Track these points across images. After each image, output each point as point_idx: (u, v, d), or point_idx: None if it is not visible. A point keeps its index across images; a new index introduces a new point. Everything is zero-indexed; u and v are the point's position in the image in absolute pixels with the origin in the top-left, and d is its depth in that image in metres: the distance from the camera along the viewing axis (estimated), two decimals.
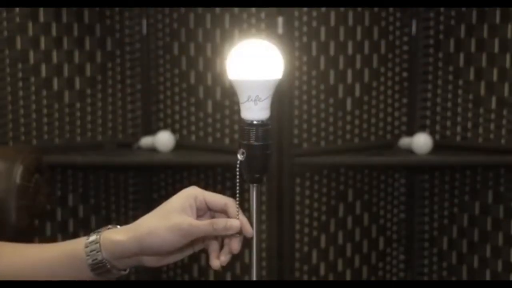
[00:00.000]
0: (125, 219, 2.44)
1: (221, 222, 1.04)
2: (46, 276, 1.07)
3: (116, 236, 1.05)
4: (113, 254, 1.05)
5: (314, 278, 2.31)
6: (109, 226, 1.08)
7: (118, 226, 1.08)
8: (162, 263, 1.09)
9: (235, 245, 1.06)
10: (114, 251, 1.05)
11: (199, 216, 1.08)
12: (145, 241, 1.03)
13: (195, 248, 1.10)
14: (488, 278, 2.32)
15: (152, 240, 1.03)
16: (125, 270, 1.08)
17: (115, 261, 1.06)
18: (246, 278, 2.27)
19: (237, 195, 1.06)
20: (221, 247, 1.08)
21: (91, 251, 1.05)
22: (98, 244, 1.05)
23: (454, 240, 2.41)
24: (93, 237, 1.06)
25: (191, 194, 1.07)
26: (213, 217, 1.09)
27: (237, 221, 1.05)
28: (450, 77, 2.32)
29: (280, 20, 2.16)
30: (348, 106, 2.29)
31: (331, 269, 2.35)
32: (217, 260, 1.07)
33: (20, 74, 2.17)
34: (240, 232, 1.05)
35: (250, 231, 1.05)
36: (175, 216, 1.04)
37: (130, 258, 1.06)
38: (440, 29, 2.33)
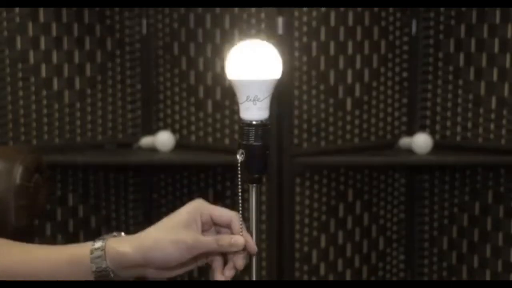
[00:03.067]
0: (125, 219, 2.44)
1: (225, 239, 1.05)
2: (52, 277, 1.07)
3: (121, 246, 1.05)
4: (117, 264, 1.05)
5: (314, 278, 2.31)
6: (115, 234, 1.08)
7: (123, 234, 1.08)
8: (165, 276, 1.09)
9: (239, 261, 1.07)
10: (118, 261, 1.05)
11: (204, 230, 1.08)
12: (150, 254, 1.04)
13: (199, 263, 1.10)
14: (488, 278, 2.32)
15: (157, 253, 1.03)
16: (127, 279, 1.08)
17: (119, 270, 1.06)
18: (246, 278, 2.27)
19: (240, 211, 1.06)
20: (225, 261, 1.08)
21: (95, 258, 1.05)
22: (103, 252, 1.05)
23: (454, 240, 2.41)
24: (98, 244, 1.06)
25: (197, 209, 1.07)
26: (218, 231, 1.09)
27: (241, 238, 1.05)
28: (450, 77, 2.32)
29: (280, 20, 2.16)
30: (348, 106, 2.29)
31: (331, 269, 2.35)
32: (222, 276, 1.07)
33: (20, 74, 2.17)
34: (244, 249, 1.05)
35: (254, 248, 1.05)
36: (180, 231, 1.04)
37: (133, 269, 1.06)
38: (440, 29, 2.33)
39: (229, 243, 1.04)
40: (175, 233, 1.04)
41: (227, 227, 1.07)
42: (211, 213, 1.07)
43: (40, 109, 2.22)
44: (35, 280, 1.08)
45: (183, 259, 1.04)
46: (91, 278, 1.06)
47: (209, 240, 1.04)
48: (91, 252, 1.05)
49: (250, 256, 1.07)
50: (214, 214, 1.07)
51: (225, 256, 1.08)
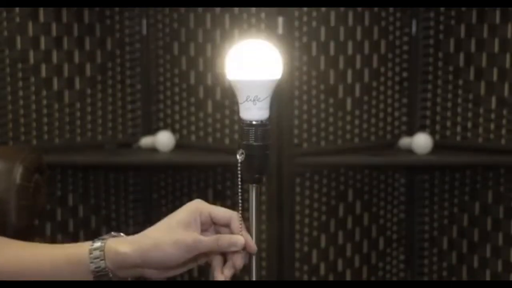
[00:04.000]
0: (125, 219, 2.44)
1: (225, 239, 1.04)
2: (51, 276, 1.07)
3: (121, 247, 1.05)
4: (116, 264, 1.05)
5: (314, 278, 2.31)
6: (113, 234, 1.08)
7: (122, 234, 1.08)
8: (164, 276, 1.09)
9: (238, 261, 1.06)
10: (117, 261, 1.05)
11: (203, 230, 1.08)
12: (149, 254, 1.03)
13: (199, 262, 1.10)
14: (488, 278, 2.32)
15: (156, 254, 1.03)
16: (126, 279, 1.08)
17: (117, 270, 1.06)
18: (246, 278, 2.27)
19: (240, 210, 1.06)
20: (225, 260, 1.08)
21: (95, 258, 1.05)
22: (102, 252, 1.05)
23: (454, 240, 2.41)
24: (97, 244, 1.06)
25: (196, 209, 1.07)
26: (217, 231, 1.09)
27: (241, 237, 1.04)
28: (450, 77, 2.32)
29: (280, 20, 2.16)
30: (348, 106, 2.29)
31: (331, 269, 2.35)
32: (222, 275, 1.07)
33: (20, 74, 2.17)
34: (243, 248, 1.05)
35: (254, 248, 1.05)
36: (180, 231, 1.04)
37: (132, 269, 1.06)
38: (440, 29, 2.33)
39: (229, 242, 1.04)
40: (175, 233, 1.03)
41: (227, 226, 1.07)
42: (210, 213, 1.07)
43: (40, 109, 2.22)
44: (34, 279, 1.08)
45: (182, 259, 1.04)
46: (90, 277, 1.06)
47: (209, 240, 1.04)
48: (90, 252, 1.05)
49: (249, 256, 1.07)
50: (213, 213, 1.07)
51: (224, 255, 1.08)
